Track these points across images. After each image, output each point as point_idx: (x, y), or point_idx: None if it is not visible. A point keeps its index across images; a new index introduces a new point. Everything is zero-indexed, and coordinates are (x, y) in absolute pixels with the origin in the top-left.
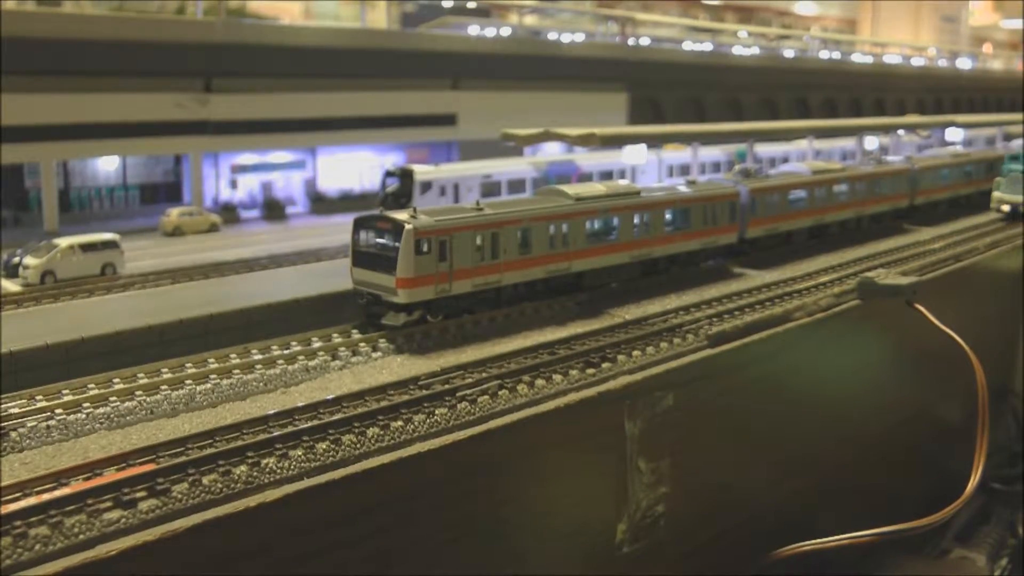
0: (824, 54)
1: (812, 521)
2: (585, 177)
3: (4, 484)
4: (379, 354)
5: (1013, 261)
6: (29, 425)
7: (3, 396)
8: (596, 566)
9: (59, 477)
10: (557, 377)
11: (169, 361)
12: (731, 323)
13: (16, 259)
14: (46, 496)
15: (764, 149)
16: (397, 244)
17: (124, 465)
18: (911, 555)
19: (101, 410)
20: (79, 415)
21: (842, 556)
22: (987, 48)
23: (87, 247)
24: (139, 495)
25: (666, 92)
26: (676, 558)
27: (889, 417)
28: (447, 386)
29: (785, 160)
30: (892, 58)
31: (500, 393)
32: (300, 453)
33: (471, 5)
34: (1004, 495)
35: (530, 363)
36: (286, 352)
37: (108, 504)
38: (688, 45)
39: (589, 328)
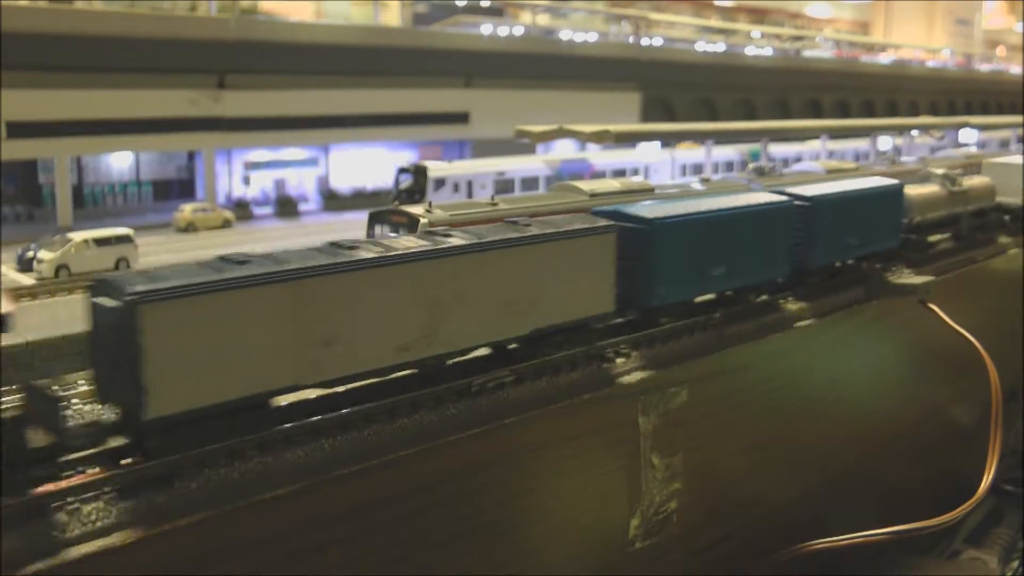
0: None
1: (824, 519)
2: (598, 175)
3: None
4: None
5: None
6: None
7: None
8: (608, 561)
9: (75, 465)
10: (572, 372)
11: None
12: (745, 320)
13: (31, 253)
14: (64, 484)
15: (777, 149)
16: None
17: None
18: (922, 555)
19: None
20: (95, 405)
21: (854, 555)
22: (1001, 51)
23: (101, 242)
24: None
25: (679, 92)
26: (688, 554)
27: (901, 416)
28: (462, 380)
29: (798, 160)
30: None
31: (516, 387)
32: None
33: (484, 4)
34: (1015, 497)
35: (545, 358)
36: None
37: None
38: (701, 46)
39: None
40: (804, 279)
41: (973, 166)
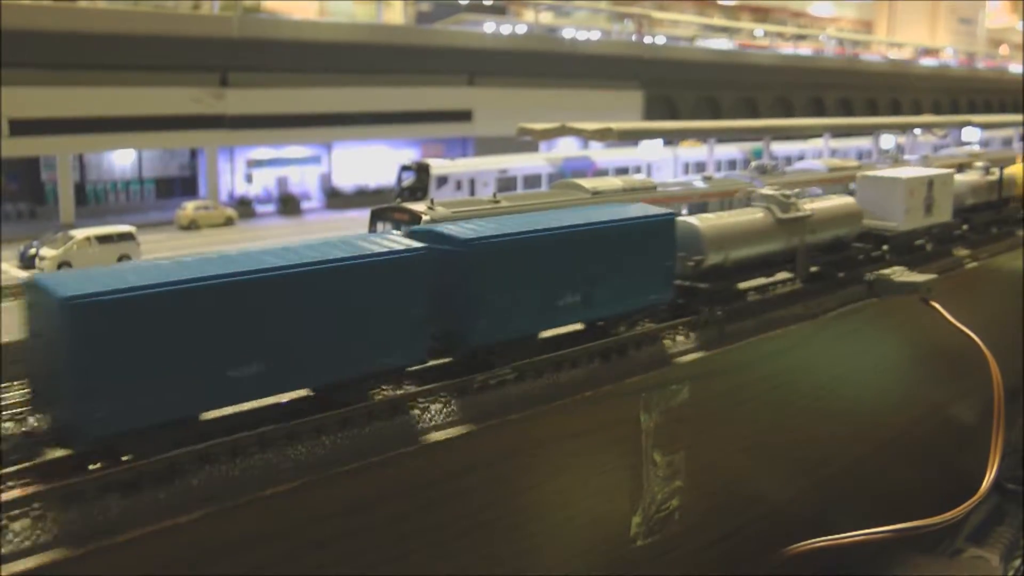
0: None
1: (825, 517)
2: (601, 173)
3: (30, 465)
4: None
5: None
6: None
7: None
8: (610, 559)
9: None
10: (574, 369)
11: None
12: (747, 317)
13: (33, 250)
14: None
15: (780, 148)
16: None
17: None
18: (925, 554)
19: None
20: None
21: (856, 553)
22: (1004, 50)
23: (103, 239)
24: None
25: (681, 90)
26: (690, 552)
27: (903, 414)
28: (464, 376)
29: (801, 158)
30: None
31: (516, 384)
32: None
33: (487, 2)
34: (1018, 495)
35: (547, 355)
36: None
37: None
38: (703, 43)
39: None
40: (477, 359)
41: (846, 180)
